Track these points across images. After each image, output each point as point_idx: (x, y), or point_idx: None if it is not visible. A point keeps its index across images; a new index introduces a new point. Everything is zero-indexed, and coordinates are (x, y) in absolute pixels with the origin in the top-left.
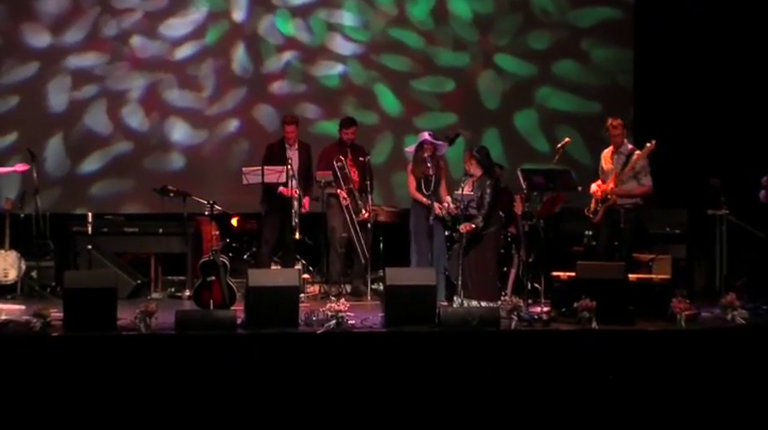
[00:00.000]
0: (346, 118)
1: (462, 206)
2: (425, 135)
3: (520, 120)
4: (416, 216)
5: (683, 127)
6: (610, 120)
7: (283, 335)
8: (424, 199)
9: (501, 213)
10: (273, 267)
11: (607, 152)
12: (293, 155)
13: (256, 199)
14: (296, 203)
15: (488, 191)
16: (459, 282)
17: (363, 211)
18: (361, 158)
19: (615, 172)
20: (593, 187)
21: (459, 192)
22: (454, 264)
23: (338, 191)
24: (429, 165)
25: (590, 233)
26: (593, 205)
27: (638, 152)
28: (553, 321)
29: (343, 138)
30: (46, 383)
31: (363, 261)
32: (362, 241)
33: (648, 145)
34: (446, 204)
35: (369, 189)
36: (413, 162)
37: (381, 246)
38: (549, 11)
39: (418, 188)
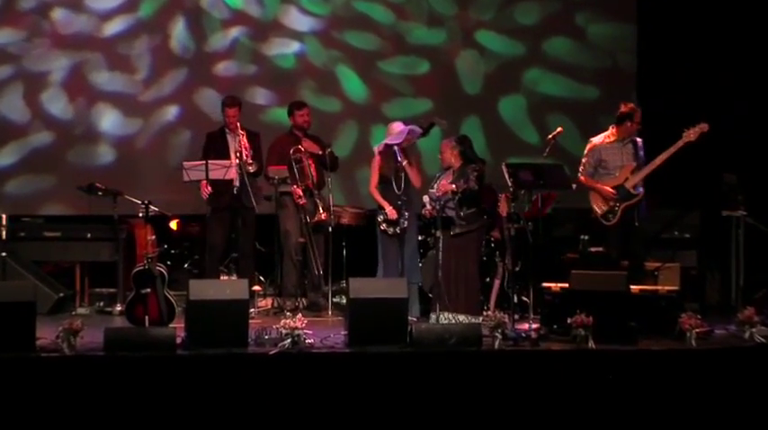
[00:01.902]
0: (296, 100)
1: (439, 206)
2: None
3: (505, 108)
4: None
5: (694, 115)
6: (632, 106)
7: (230, 357)
8: (384, 201)
9: (485, 216)
10: (223, 278)
11: (604, 142)
12: (236, 143)
13: (199, 197)
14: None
15: (472, 178)
16: (436, 294)
17: (320, 212)
18: (319, 151)
19: (630, 164)
20: (606, 189)
21: (434, 190)
22: (429, 273)
23: (293, 188)
24: (401, 159)
25: (586, 237)
26: (604, 206)
27: (639, 140)
28: (543, 340)
29: (299, 122)
30: None
31: (317, 273)
32: (316, 249)
33: (693, 130)
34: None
35: (329, 186)
36: (381, 155)
37: (344, 252)
38: None
39: (386, 187)
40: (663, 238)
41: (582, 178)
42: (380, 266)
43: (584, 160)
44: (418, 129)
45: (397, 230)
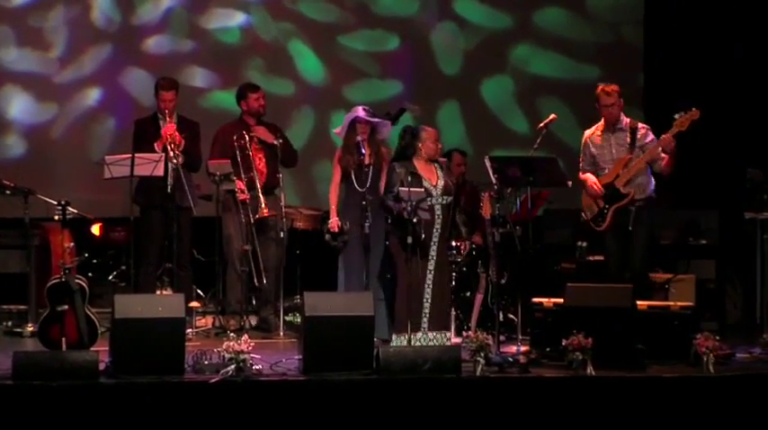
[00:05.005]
0: (248, 82)
1: (410, 207)
2: (359, 111)
3: (489, 91)
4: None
5: (712, 99)
6: (602, 86)
7: (163, 386)
8: (333, 208)
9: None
10: (163, 292)
11: (594, 133)
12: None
13: (125, 198)
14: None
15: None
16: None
17: (262, 208)
18: (273, 141)
19: (623, 156)
20: (591, 181)
21: (405, 187)
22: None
23: (236, 181)
24: (365, 152)
25: (584, 244)
26: (594, 207)
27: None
28: (534, 365)
29: (254, 107)
30: None
31: (257, 283)
32: (258, 253)
33: (684, 115)
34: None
35: (281, 183)
36: (342, 148)
37: (298, 262)
38: None
39: (348, 185)
40: (675, 246)
41: (580, 176)
42: (341, 279)
43: (580, 156)
44: (380, 120)
45: (340, 244)
